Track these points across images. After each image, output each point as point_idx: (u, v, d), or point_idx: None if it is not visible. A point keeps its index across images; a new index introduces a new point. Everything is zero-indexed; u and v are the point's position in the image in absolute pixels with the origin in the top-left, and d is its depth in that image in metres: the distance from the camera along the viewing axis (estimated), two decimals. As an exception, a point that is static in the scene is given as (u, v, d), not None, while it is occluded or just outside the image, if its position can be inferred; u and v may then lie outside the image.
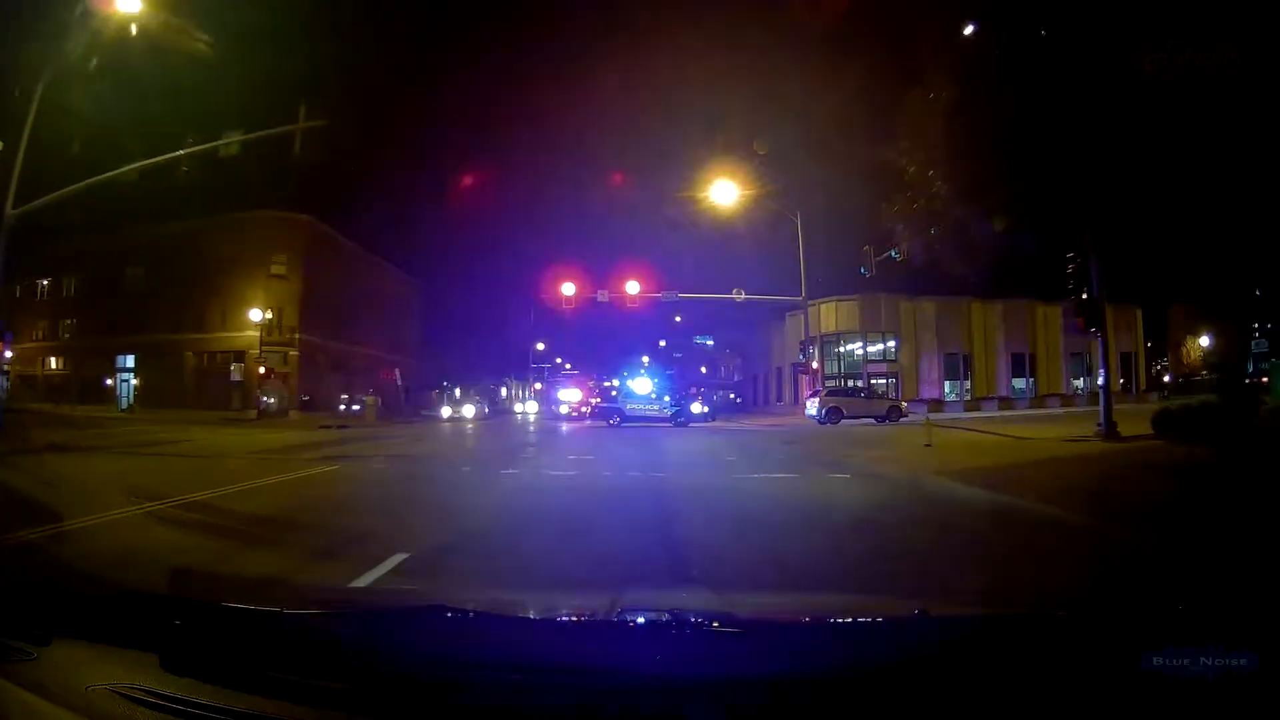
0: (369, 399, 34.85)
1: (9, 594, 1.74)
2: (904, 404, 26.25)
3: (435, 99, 67.03)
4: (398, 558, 4.60)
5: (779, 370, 40.68)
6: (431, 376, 50.38)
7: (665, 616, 1.79)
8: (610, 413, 27.83)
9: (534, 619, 1.94)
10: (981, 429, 16.45)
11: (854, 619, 1.97)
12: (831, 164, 32.30)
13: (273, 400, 34.45)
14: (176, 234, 37.03)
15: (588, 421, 30.71)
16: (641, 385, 29.17)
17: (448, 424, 32.69)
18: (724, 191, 26.49)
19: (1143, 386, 41.37)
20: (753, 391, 47.67)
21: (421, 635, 1.51)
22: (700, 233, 32.80)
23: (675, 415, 27.17)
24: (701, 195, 26.84)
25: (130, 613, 1.60)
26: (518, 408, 58.93)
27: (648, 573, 4.39)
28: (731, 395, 52.74)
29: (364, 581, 4.02)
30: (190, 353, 39.65)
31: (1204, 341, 52.39)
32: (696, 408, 30.06)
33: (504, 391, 70.76)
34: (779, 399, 40.59)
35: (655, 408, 27.73)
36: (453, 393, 40.13)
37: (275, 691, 1.36)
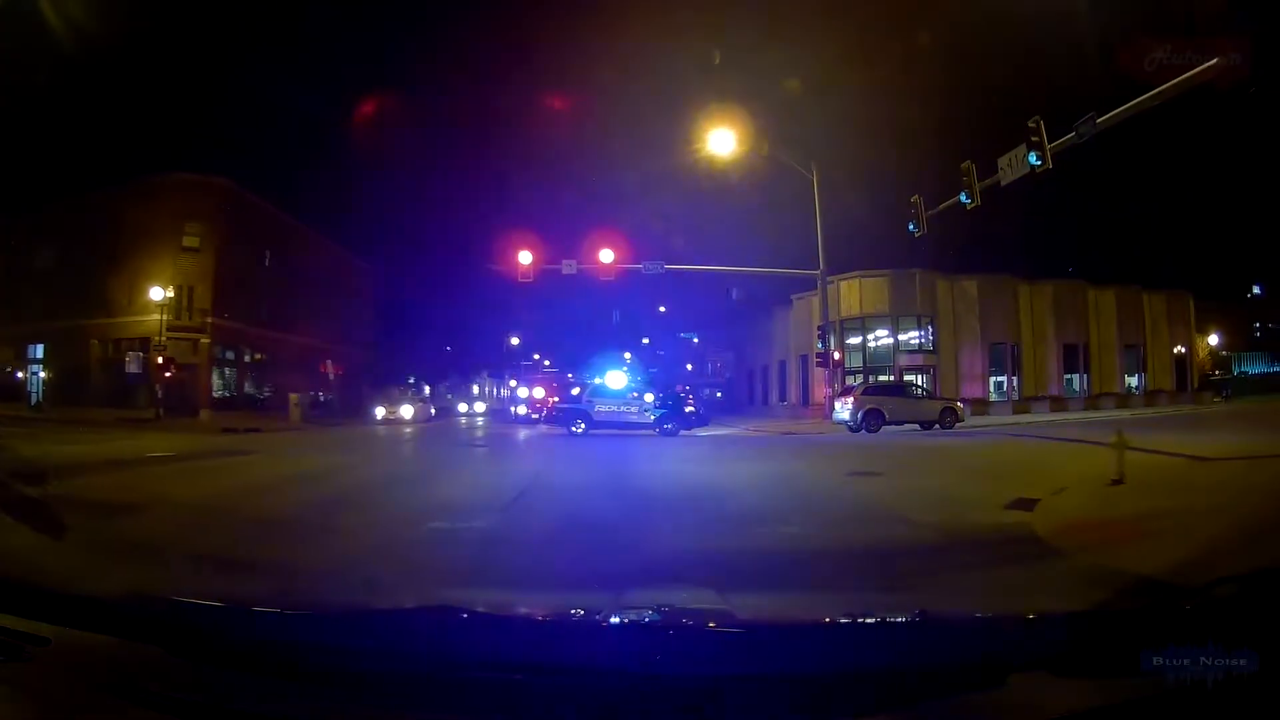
0: (293, 397, 29.28)
1: (8, 594, 1.75)
2: (959, 405, 20.32)
3: (390, 43, 60.28)
4: None
5: (782, 364, 34.76)
6: (392, 371, 45.14)
7: (666, 616, 1.80)
8: (573, 416, 20.87)
9: (537, 619, 1.89)
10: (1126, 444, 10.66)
11: (855, 619, 1.86)
12: (860, 103, 26.52)
13: (161, 394, 27.88)
14: (87, 204, 32.28)
15: (543, 427, 24.37)
16: (616, 380, 22.35)
17: (380, 427, 26.78)
18: (721, 141, 20.83)
19: (1195, 385, 36.62)
20: (749, 389, 41.57)
21: (425, 635, 1.49)
22: (691, 201, 27.29)
23: (661, 420, 20.62)
24: (697, 146, 21.18)
25: (135, 611, 1.62)
26: (461, 407, 52.56)
27: None
28: (718, 394, 46.82)
29: None
30: (96, 340, 33.83)
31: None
32: (688, 410, 23.31)
33: (476, 388, 65.74)
34: (782, 398, 34.64)
35: (634, 410, 20.94)
36: (390, 391, 34.43)
37: (279, 689, 1.38)
